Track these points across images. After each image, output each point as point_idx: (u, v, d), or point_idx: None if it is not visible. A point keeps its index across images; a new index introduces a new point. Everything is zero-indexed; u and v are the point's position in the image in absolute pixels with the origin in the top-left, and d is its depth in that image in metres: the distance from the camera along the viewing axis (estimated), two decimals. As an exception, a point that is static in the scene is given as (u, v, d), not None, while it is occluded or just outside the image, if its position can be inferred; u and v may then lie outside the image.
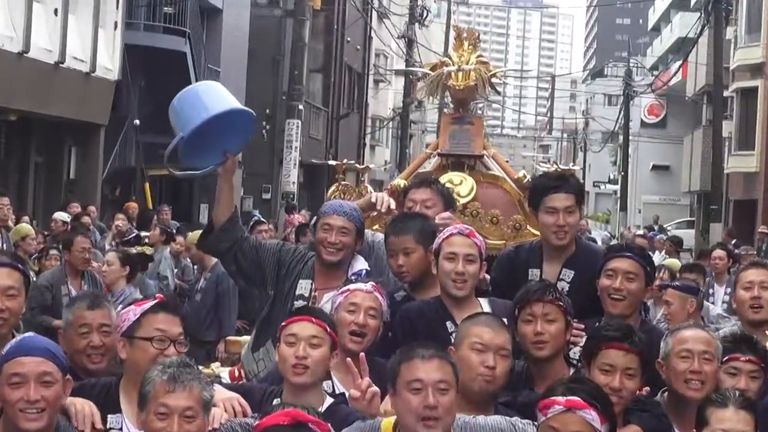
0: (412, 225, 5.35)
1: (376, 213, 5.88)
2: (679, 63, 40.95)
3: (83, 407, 3.89)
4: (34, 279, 9.42)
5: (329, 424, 3.65)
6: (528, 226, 6.28)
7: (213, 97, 5.23)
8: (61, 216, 14.73)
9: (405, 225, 5.36)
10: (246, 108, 5.39)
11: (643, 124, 54.41)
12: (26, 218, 15.25)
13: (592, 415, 3.69)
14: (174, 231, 14.87)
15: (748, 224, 31.06)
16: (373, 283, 4.80)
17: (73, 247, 9.54)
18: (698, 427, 4.03)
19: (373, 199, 5.76)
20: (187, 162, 5.36)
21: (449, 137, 6.67)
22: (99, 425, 3.90)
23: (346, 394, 4.41)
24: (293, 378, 4.20)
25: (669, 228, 36.58)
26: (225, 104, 5.19)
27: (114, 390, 4.11)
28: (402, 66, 42.08)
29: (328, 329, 4.30)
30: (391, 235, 5.38)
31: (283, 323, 4.33)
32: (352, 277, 5.16)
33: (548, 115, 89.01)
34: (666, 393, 4.56)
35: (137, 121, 21.93)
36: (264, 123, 30.62)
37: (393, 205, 5.72)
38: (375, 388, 4.12)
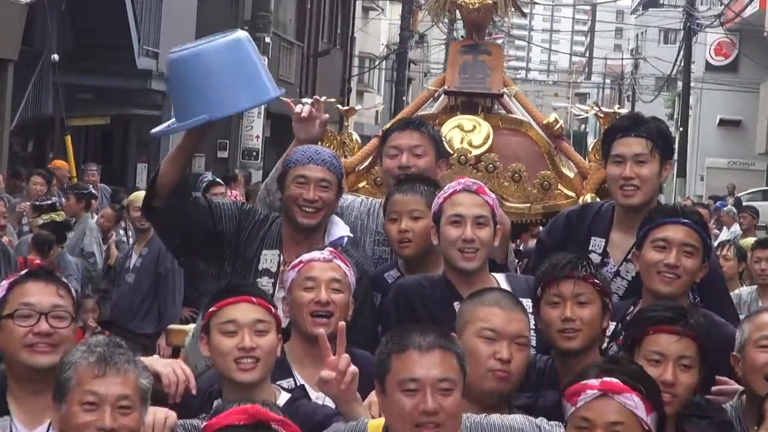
0: (424, 186, 5.39)
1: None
2: (756, -13, 40.86)
3: None
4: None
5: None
6: (560, 185, 6.29)
7: (247, 74, 5.11)
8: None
9: (414, 184, 5.40)
10: (280, 90, 5.34)
11: (708, 67, 54.39)
12: None
13: (634, 401, 3.70)
14: (93, 192, 14.91)
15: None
16: (330, 249, 4.81)
17: None
18: (759, 423, 4.01)
19: (297, 109, 5.75)
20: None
21: (460, 70, 6.67)
22: None
23: (309, 389, 4.45)
24: (240, 375, 4.21)
25: (738, 198, 36.51)
26: (262, 93, 5.16)
27: (1, 384, 4.13)
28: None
29: (273, 310, 4.33)
30: (396, 193, 5.40)
31: (212, 307, 4.32)
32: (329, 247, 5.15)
33: (587, 54, 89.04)
34: (744, 396, 4.54)
35: (56, 57, 21.78)
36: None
37: (309, 108, 5.71)
38: (354, 368, 4.11)
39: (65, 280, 4.29)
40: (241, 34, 5.21)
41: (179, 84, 5.16)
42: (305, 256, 4.75)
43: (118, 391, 3.71)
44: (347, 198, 5.85)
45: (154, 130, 5.68)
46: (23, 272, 4.25)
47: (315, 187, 5.25)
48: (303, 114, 5.75)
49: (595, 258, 5.28)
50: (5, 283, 4.23)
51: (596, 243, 5.39)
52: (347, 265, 4.77)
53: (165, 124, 5.42)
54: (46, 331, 4.06)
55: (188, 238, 5.42)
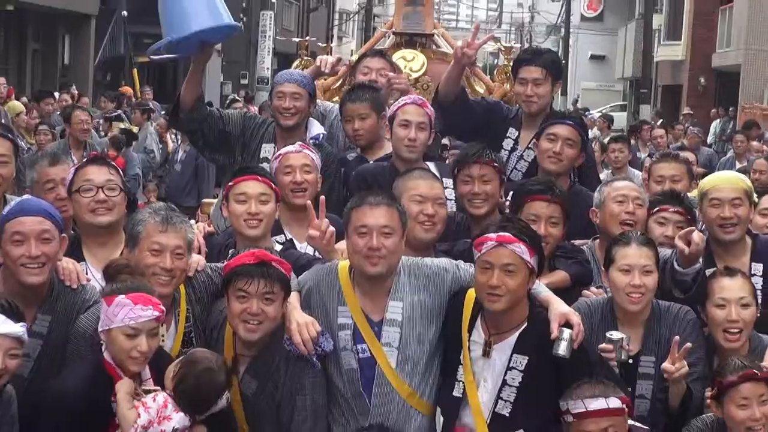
0: (367, 94, 5.32)
1: (327, 75, 5.86)
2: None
3: (68, 264, 3.88)
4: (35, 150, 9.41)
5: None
6: (473, 98, 6.22)
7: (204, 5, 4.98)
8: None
9: (361, 94, 5.33)
10: (234, 24, 5.22)
11: (582, 17, 53.90)
12: (24, 99, 15.03)
13: (521, 248, 3.67)
14: (152, 107, 14.83)
15: (674, 106, 31.39)
16: (299, 143, 4.76)
17: (72, 120, 9.51)
18: (606, 267, 4.03)
19: (317, 63, 5.66)
20: (167, 51, 5.26)
21: (403, 17, 6.62)
22: (83, 280, 3.89)
23: (295, 242, 4.42)
24: (248, 231, 4.18)
25: (603, 110, 36.51)
26: (216, 18, 4.99)
27: (77, 241, 4.12)
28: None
29: (273, 185, 4.27)
30: (347, 102, 5.32)
31: (229, 182, 4.27)
32: (310, 141, 5.10)
33: (498, 10, 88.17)
34: (597, 240, 4.55)
35: (125, 13, 21.43)
36: (241, 15, 30.15)
37: (332, 60, 5.61)
38: (332, 228, 4.08)
39: (114, 163, 4.27)
40: None
41: (161, 10, 5.03)
42: (282, 150, 4.73)
43: (175, 242, 3.73)
44: (328, 104, 5.80)
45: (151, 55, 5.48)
46: (85, 160, 4.24)
47: (289, 99, 5.20)
48: (326, 70, 5.70)
49: (510, 143, 5.35)
50: (72, 168, 4.22)
51: (512, 132, 5.38)
52: (312, 152, 4.73)
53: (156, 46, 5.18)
54: (103, 199, 4.06)
55: (207, 138, 5.38)
